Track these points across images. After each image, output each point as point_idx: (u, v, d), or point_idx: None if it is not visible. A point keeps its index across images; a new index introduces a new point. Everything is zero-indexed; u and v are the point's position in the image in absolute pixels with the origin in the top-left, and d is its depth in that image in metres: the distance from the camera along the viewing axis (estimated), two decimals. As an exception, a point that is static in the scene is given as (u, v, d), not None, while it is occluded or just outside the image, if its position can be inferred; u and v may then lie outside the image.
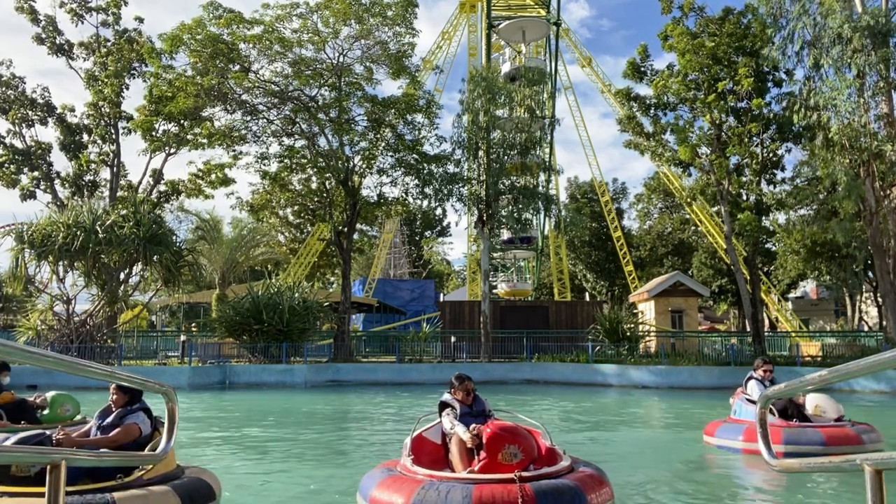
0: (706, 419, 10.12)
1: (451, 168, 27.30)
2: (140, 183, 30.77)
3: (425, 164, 26.54)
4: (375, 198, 27.28)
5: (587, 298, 49.46)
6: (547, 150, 33.75)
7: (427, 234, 74.35)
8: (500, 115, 26.89)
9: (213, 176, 30.37)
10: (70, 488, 4.33)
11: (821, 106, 20.59)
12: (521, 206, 28.02)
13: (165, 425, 2.99)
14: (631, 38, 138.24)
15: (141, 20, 30.24)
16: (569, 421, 13.17)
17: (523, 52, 43.12)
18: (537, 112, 27.41)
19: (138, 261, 22.87)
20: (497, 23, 40.83)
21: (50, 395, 7.87)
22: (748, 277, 25.08)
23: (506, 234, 39.74)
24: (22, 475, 4.73)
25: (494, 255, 42.41)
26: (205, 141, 26.15)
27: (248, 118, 26.32)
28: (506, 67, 41.47)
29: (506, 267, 50.43)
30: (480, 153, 27.16)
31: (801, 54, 21.16)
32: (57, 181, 29.42)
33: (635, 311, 28.85)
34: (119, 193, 29.83)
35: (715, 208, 37.10)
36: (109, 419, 5.00)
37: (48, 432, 5.05)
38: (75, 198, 27.73)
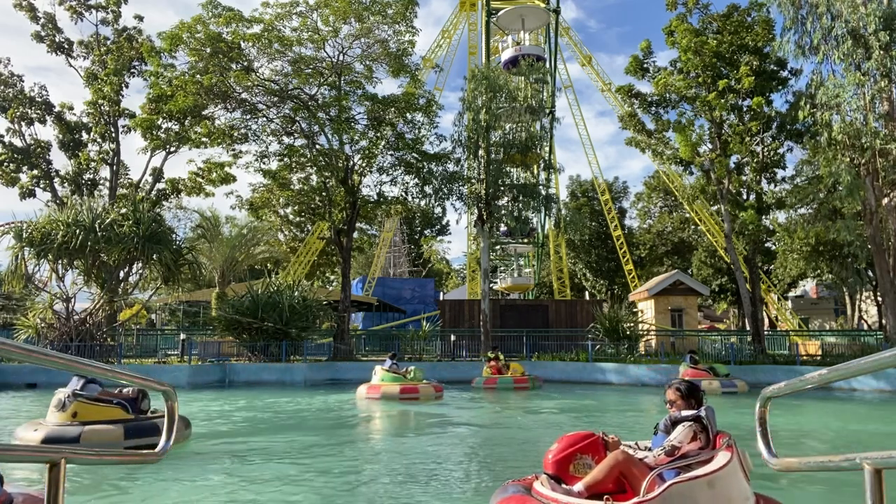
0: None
1: (451, 167, 27.30)
2: (140, 181, 30.77)
3: (425, 163, 26.52)
4: (375, 197, 27.27)
5: (587, 297, 49.44)
6: (547, 148, 33.74)
7: (427, 232, 74.35)
8: (502, 107, 26.83)
9: (214, 174, 30.36)
10: None
11: (824, 104, 20.58)
12: (520, 204, 28.02)
13: (165, 424, 2.97)
14: (625, 36, 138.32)
15: (140, 18, 30.21)
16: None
17: (524, 41, 43.10)
18: (536, 105, 27.35)
19: (138, 259, 22.86)
20: (496, 11, 40.87)
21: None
22: (748, 276, 25.08)
23: (504, 227, 39.75)
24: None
25: (494, 249, 42.39)
26: (205, 140, 26.15)
27: (248, 117, 26.30)
28: (507, 54, 41.44)
29: (507, 260, 50.43)
30: (481, 152, 27.16)
31: (817, 48, 21.04)
32: (56, 179, 29.40)
33: (635, 309, 28.84)
34: (119, 192, 29.81)
35: (715, 207, 37.09)
36: None
37: None
38: (75, 196, 27.70)
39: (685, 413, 4.33)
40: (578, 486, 3.99)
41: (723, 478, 3.65)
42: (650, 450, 4.29)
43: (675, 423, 4.31)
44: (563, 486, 4.08)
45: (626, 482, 4.03)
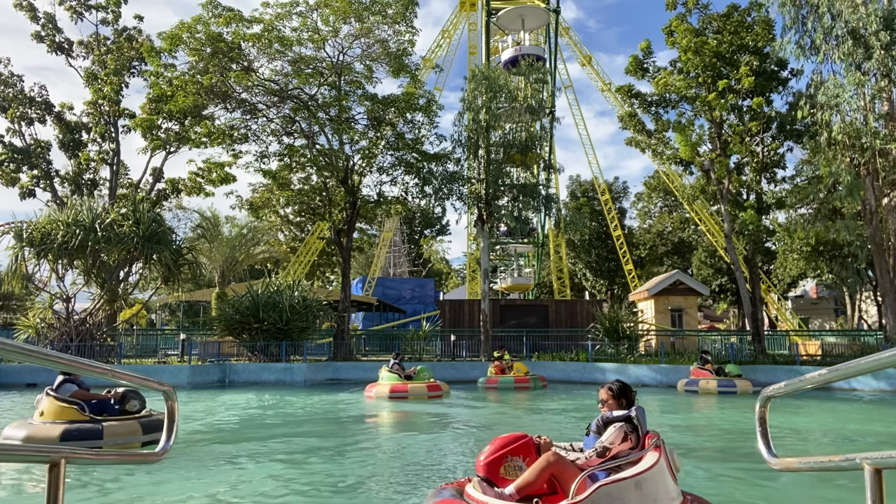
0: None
1: (451, 167, 27.31)
2: (140, 181, 30.76)
3: (425, 163, 26.53)
4: (375, 196, 27.29)
5: (587, 297, 49.44)
6: (547, 148, 33.74)
7: (426, 232, 74.36)
8: (502, 107, 26.85)
9: (214, 174, 30.36)
10: None
11: (823, 104, 20.57)
12: (520, 204, 28.02)
13: (165, 424, 2.97)
14: (624, 35, 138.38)
15: (140, 18, 30.19)
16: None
17: (524, 41, 43.08)
18: (536, 105, 27.35)
19: (138, 259, 22.86)
20: (496, 11, 40.86)
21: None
22: (748, 276, 25.07)
23: (504, 227, 39.75)
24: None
25: (494, 249, 42.39)
26: (205, 140, 26.15)
27: (248, 117, 26.30)
28: (507, 54, 41.45)
29: (507, 260, 50.45)
30: (481, 152, 27.16)
31: (817, 48, 20.98)
32: (56, 179, 29.39)
33: (635, 309, 28.84)
34: (119, 192, 29.79)
35: (715, 207, 37.09)
36: None
37: None
38: (75, 196, 27.69)
39: (616, 413, 4.36)
40: (510, 489, 3.99)
41: (650, 478, 3.70)
42: (584, 451, 4.32)
43: (606, 423, 4.34)
44: (496, 489, 4.08)
45: (558, 484, 4.03)
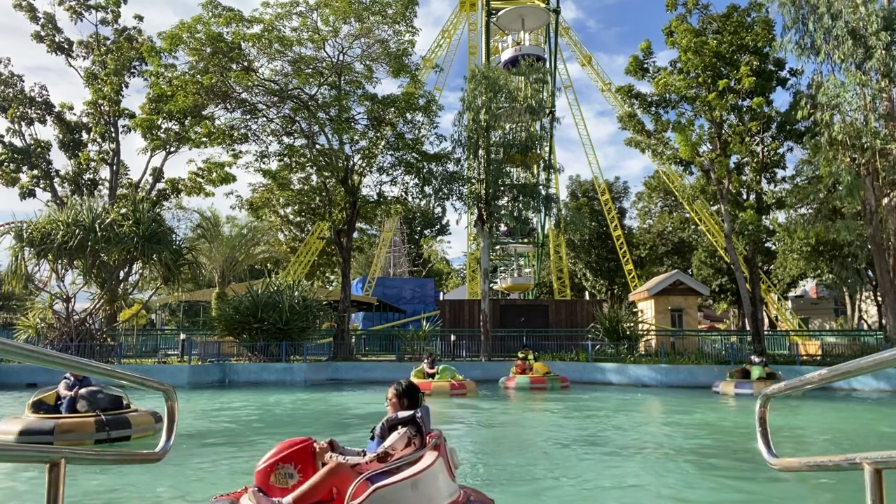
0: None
1: (451, 167, 27.31)
2: (140, 181, 30.76)
3: (425, 163, 26.53)
4: (375, 196, 27.29)
5: (587, 297, 49.41)
6: (547, 148, 33.74)
7: (427, 232, 74.35)
8: (502, 107, 26.86)
9: (214, 174, 30.36)
10: None
11: (824, 104, 20.57)
12: (520, 204, 28.02)
13: (165, 423, 2.97)
14: (624, 36, 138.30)
15: (140, 18, 30.19)
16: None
17: (524, 41, 43.08)
18: (536, 105, 27.36)
19: (138, 259, 22.86)
20: (496, 11, 40.85)
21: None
22: (748, 276, 25.07)
23: (504, 227, 39.76)
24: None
25: (494, 249, 42.40)
26: (205, 140, 26.16)
27: (248, 117, 26.31)
28: (507, 54, 41.45)
29: (507, 260, 50.46)
30: (481, 152, 27.16)
31: (818, 48, 20.96)
32: (56, 179, 29.39)
33: (635, 309, 28.83)
34: (119, 192, 29.79)
35: (715, 207, 37.08)
36: None
37: None
38: (75, 196, 27.68)
39: (401, 415, 4.31)
40: (287, 500, 3.85)
41: (426, 478, 3.71)
42: (366, 455, 4.22)
43: (391, 427, 4.27)
44: (275, 499, 3.88)
45: (338, 491, 3.94)
